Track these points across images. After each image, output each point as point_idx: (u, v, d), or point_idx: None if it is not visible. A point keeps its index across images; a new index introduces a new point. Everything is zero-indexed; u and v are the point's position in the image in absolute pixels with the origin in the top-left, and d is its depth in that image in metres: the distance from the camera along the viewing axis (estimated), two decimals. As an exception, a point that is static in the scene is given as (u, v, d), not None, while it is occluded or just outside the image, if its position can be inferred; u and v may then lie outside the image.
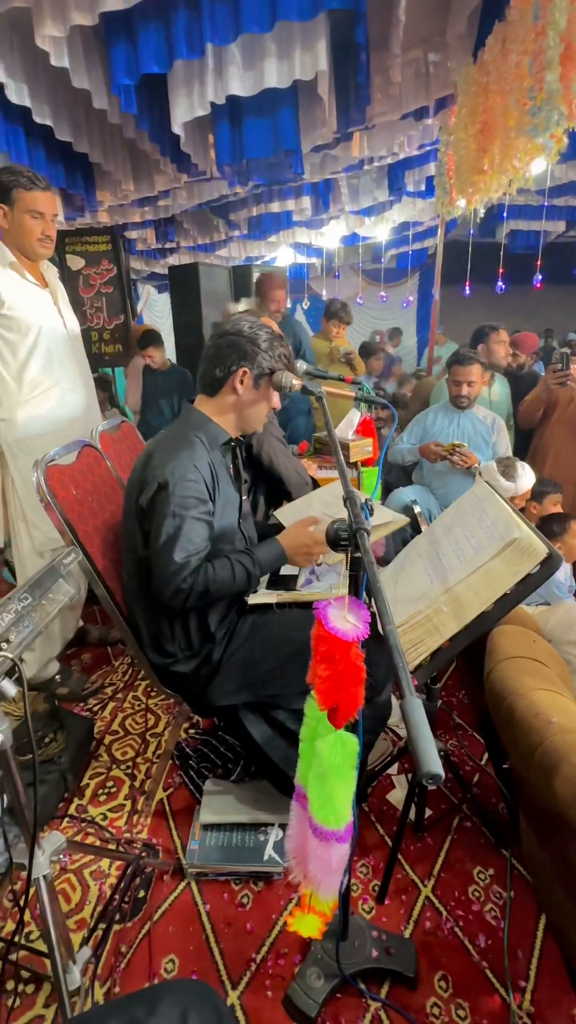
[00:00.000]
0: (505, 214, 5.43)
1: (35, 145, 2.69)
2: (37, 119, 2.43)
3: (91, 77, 2.26)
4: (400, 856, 1.41)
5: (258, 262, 6.88)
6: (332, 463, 2.33)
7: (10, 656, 0.81)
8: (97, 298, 4.66)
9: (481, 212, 4.18)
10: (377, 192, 4.62)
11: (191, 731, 1.84)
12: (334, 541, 0.83)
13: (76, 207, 3.61)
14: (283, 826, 1.42)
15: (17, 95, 2.29)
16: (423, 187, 4.60)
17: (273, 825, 1.43)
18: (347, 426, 2.45)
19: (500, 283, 4.30)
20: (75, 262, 4.54)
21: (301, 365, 1.46)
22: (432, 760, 0.45)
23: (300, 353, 3.05)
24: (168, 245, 5.66)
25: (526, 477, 2.09)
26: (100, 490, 1.52)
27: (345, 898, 1.11)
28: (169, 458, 1.23)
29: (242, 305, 3.20)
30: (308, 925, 0.95)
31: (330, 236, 6.36)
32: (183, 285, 4.80)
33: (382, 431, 2.96)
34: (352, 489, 0.90)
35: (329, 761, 0.82)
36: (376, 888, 1.34)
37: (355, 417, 2.47)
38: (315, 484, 1.91)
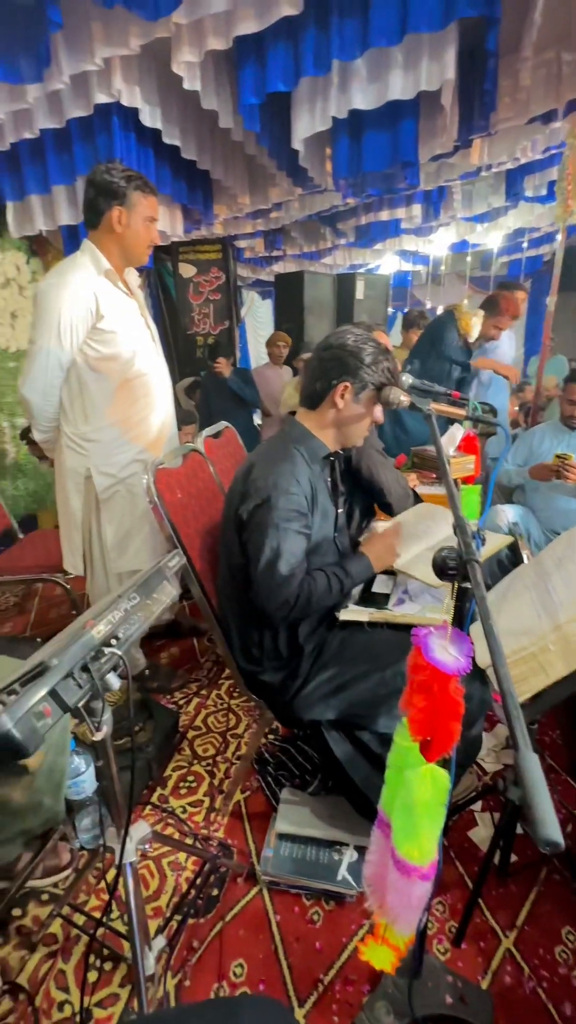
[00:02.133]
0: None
1: (162, 164, 2.86)
2: (166, 140, 2.58)
3: (219, 98, 2.36)
4: (480, 900, 1.34)
5: (361, 270, 6.87)
6: (432, 479, 2.26)
7: (118, 653, 0.85)
8: (205, 304, 4.86)
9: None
10: (492, 198, 4.45)
11: (270, 736, 1.86)
12: (441, 570, 0.80)
13: (194, 220, 3.79)
14: (359, 848, 1.40)
15: (151, 118, 2.44)
16: (544, 192, 4.37)
17: (348, 845, 1.41)
18: (448, 441, 2.38)
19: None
20: (187, 270, 4.77)
21: (407, 379, 1.41)
22: (551, 825, 0.42)
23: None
24: (275, 253, 5.79)
25: None
26: (203, 494, 1.58)
27: (421, 936, 1.07)
28: (271, 471, 1.25)
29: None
30: (381, 957, 0.92)
31: (438, 243, 6.22)
32: (287, 292, 4.90)
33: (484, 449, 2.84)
34: (462, 516, 0.87)
35: (418, 794, 0.79)
36: (453, 929, 1.28)
37: (457, 433, 2.38)
38: (416, 497, 1.87)
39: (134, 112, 2.42)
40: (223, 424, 2.02)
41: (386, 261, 7.14)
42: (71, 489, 1.79)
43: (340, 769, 1.35)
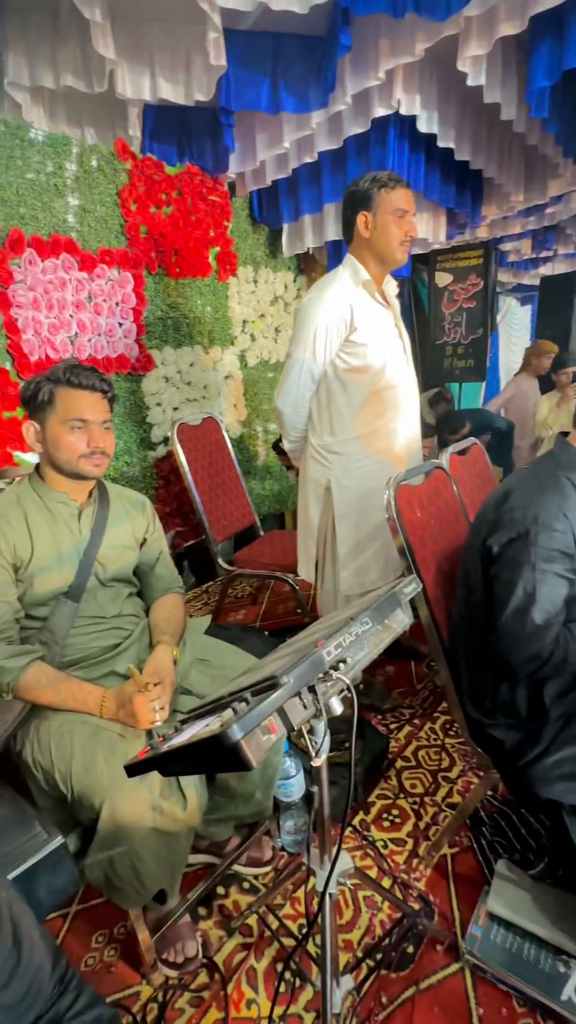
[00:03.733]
0: None
1: (432, 171, 2.79)
2: (441, 144, 2.50)
3: (503, 90, 2.20)
4: None
5: None
6: None
7: (346, 680, 0.80)
8: (458, 313, 4.65)
9: None
10: None
11: (488, 793, 1.65)
12: None
13: (458, 225, 3.64)
14: (594, 970, 1.13)
15: (427, 124, 2.39)
16: None
17: (579, 961, 1.16)
18: None
19: None
20: (443, 279, 4.62)
21: None
22: None
23: None
24: (543, 254, 5.28)
25: None
26: (444, 516, 1.46)
27: None
28: (532, 501, 1.08)
29: None
30: None
31: None
32: (554, 296, 4.42)
33: None
34: None
35: None
36: None
37: None
38: None
39: (410, 120, 2.40)
40: (471, 440, 1.86)
41: None
42: (311, 499, 1.83)
43: (579, 865, 1.12)
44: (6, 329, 2.08)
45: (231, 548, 2.88)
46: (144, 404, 2.67)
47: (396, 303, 1.80)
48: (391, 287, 1.79)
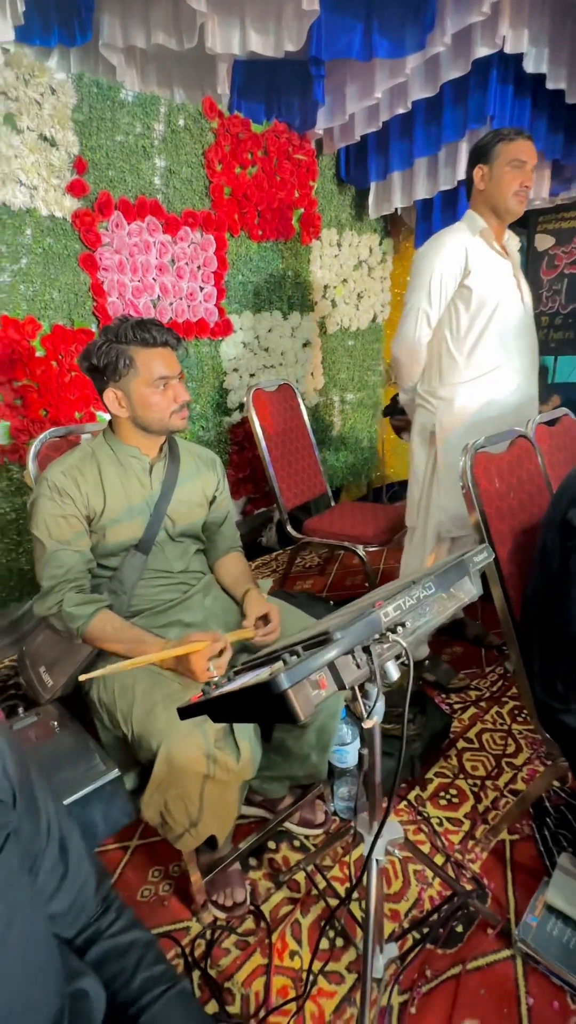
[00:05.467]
0: None
1: (538, 117, 2.55)
2: (550, 85, 2.28)
3: (629, 15, 1.95)
4: None
5: None
6: None
7: (403, 643, 0.77)
8: (558, 280, 4.30)
9: None
10: None
11: (556, 784, 1.57)
12: None
13: (563, 180, 3.33)
14: None
15: (535, 63, 2.19)
16: None
17: None
18: None
19: None
20: (543, 242, 4.27)
21: None
22: None
23: None
24: None
25: None
26: (525, 487, 1.37)
27: None
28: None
29: None
30: None
31: None
32: None
33: None
34: None
35: None
36: None
37: None
38: None
39: (515, 60, 2.20)
40: (563, 411, 1.72)
41: None
42: (417, 443, 1.88)
43: None
44: (93, 292, 2.14)
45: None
46: (222, 369, 2.68)
47: (516, 255, 1.82)
48: (513, 242, 1.82)
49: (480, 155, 1.68)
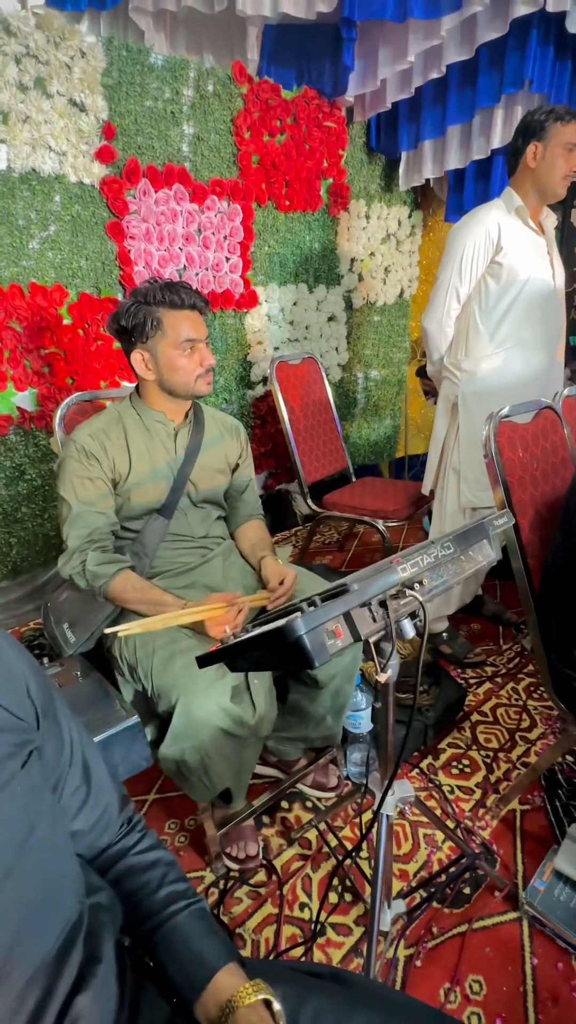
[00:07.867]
0: None
1: (577, 80, 2.45)
2: (591, 45, 2.19)
3: None
4: None
5: None
6: None
7: (420, 599, 0.78)
8: (594, 257, 4.17)
9: None
10: None
11: (569, 758, 1.57)
12: None
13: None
14: None
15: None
16: None
17: None
18: None
19: None
20: (580, 217, 4.13)
21: None
22: None
23: None
24: None
25: None
26: (549, 459, 1.35)
27: None
28: None
29: None
30: None
31: None
32: None
33: None
34: None
35: None
36: None
37: None
38: None
39: (557, 19, 2.11)
40: (591, 384, 1.69)
41: None
42: (441, 413, 1.91)
43: None
44: (119, 260, 2.15)
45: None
46: (246, 342, 2.68)
47: (552, 232, 1.83)
48: (550, 219, 1.82)
49: (534, 132, 1.64)
